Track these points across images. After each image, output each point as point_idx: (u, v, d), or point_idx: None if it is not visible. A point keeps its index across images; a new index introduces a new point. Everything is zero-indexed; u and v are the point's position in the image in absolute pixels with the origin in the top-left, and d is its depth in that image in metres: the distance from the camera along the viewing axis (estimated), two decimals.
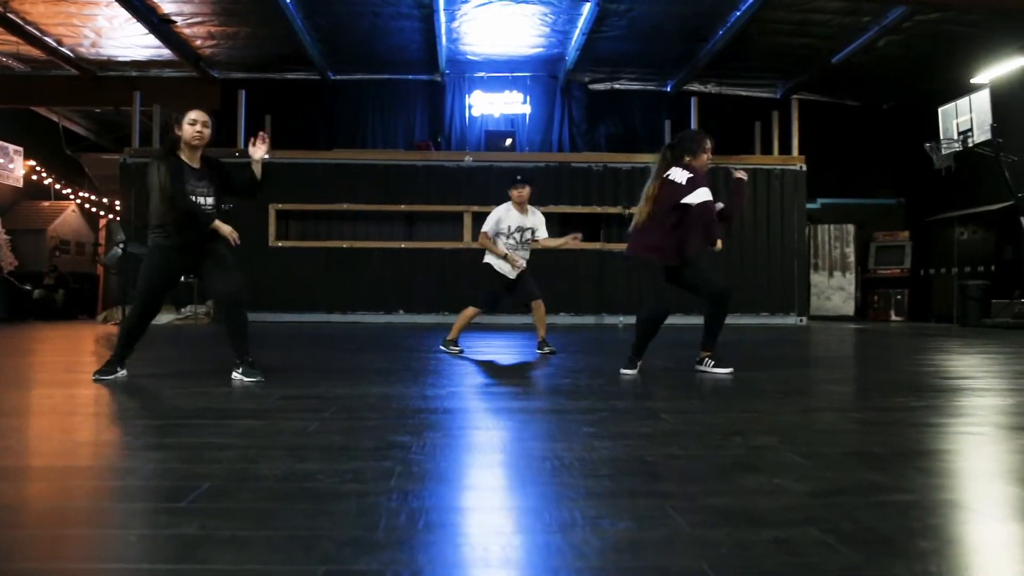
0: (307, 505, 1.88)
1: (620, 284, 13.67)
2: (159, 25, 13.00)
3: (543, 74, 16.03)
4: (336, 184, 14.07)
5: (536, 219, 6.76)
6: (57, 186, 18.36)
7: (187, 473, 2.22)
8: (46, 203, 18.47)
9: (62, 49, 14.18)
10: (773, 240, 14.48)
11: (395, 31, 13.69)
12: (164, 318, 12.48)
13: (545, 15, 13.03)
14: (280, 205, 14.05)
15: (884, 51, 13.72)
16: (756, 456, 2.51)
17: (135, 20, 12.58)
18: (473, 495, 2.11)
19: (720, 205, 5.06)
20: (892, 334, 11.22)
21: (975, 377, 5.12)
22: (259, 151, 4.69)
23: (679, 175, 4.94)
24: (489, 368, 5.63)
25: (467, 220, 14.04)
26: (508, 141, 15.25)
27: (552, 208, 14.22)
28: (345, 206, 13.99)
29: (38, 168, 17.85)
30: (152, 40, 13.59)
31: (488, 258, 6.66)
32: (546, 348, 6.68)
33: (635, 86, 16.44)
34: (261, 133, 4.78)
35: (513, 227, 6.61)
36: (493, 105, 16.17)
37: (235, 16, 12.91)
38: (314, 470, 2.25)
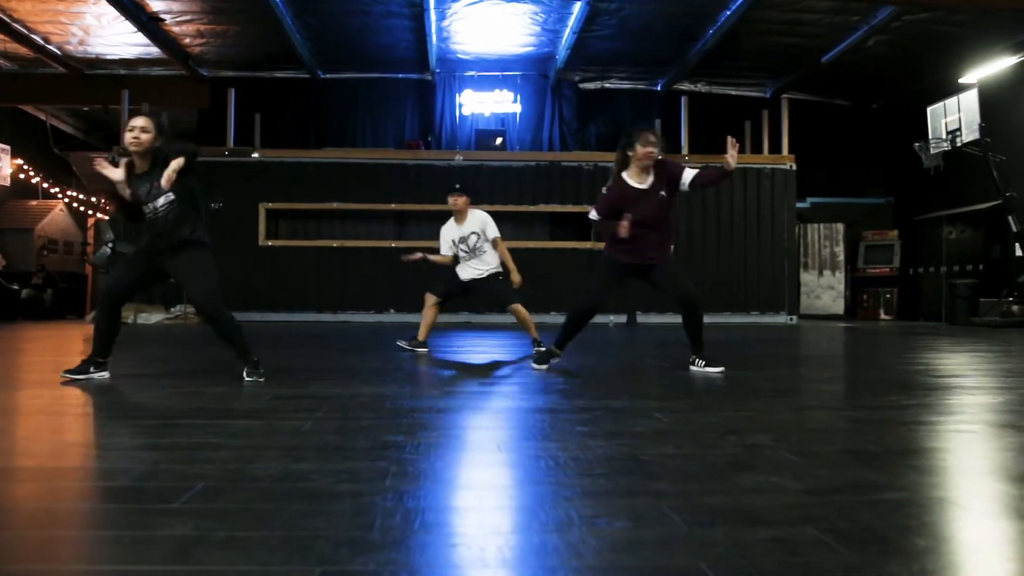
0: (302, 505, 1.87)
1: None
2: (148, 23, 12.93)
3: (533, 73, 16.02)
4: (326, 183, 14.03)
5: (474, 222, 6.57)
6: (45, 185, 18.24)
7: (181, 473, 2.20)
8: (34, 202, 18.35)
9: (49, 47, 14.08)
10: (763, 239, 14.53)
11: (385, 30, 13.66)
12: (154, 317, 12.43)
13: (536, 14, 13.02)
14: (270, 204, 14.00)
15: (873, 51, 13.79)
16: (751, 455, 2.51)
17: (123, 18, 12.51)
18: (468, 495, 2.10)
19: (593, 215, 5.15)
20: (881, 333, 11.28)
21: (965, 375, 5.15)
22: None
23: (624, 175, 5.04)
24: (481, 368, 5.62)
25: None
26: (498, 140, 15.25)
27: (543, 207, 14.26)
28: (335, 205, 13.96)
29: (26, 167, 17.72)
30: (141, 38, 13.51)
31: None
32: (540, 347, 6.62)
33: (625, 85, 16.47)
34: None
35: (456, 239, 6.54)
36: (483, 104, 16.17)
37: (224, 14, 12.85)
38: (309, 470, 2.24)
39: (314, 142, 15.37)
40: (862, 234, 16.57)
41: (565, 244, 14.08)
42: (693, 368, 5.14)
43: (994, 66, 13.45)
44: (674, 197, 5.06)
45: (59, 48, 14.22)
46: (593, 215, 5.14)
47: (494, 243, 6.58)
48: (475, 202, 13.95)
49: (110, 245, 10.98)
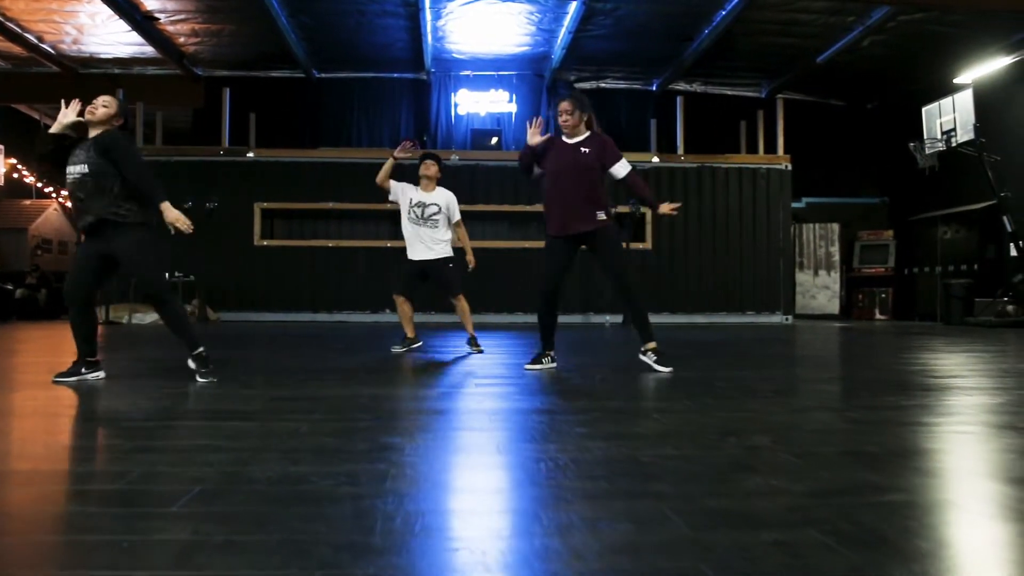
0: (301, 508, 1.86)
1: (606, 283, 13.67)
2: (142, 22, 12.90)
3: (529, 73, 16.02)
4: (321, 183, 14.01)
5: (441, 196, 6.60)
6: (39, 185, 18.17)
7: (178, 476, 2.19)
8: (27, 202, 18.30)
9: (43, 46, 14.04)
10: (759, 239, 14.55)
11: (380, 29, 13.64)
12: (148, 317, 12.37)
13: (531, 14, 13.02)
14: (265, 204, 13.98)
15: (868, 51, 13.82)
16: (751, 456, 2.50)
17: (118, 17, 12.49)
18: (469, 498, 2.09)
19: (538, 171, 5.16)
20: (877, 333, 11.29)
21: (962, 376, 5.15)
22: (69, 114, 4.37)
23: None
24: (477, 368, 5.60)
25: None
26: (494, 140, 15.25)
27: (538, 207, 14.20)
28: (331, 205, 13.93)
29: (19, 166, 17.66)
30: (135, 37, 13.48)
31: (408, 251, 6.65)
32: (474, 347, 6.64)
33: (621, 85, 16.47)
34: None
35: (414, 201, 6.53)
36: (479, 104, 16.16)
37: (219, 14, 12.82)
38: (307, 473, 2.22)
39: (309, 142, 15.35)
40: (857, 234, 16.61)
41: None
42: (642, 358, 5.13)
43: (989, 66, 13.49)
44: (602, 174, 5.07)
45: (53, 47, 14.18)
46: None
47: (456, 225, 6.65)
48: (471, 202, 14.02)
49: None
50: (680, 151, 14.83)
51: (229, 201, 13.81)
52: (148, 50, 14.15)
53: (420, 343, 6.75)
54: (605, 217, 5.00)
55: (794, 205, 15.26)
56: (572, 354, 6.76)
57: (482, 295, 13.76)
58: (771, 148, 14.97)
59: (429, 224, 6.53)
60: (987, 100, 13.04)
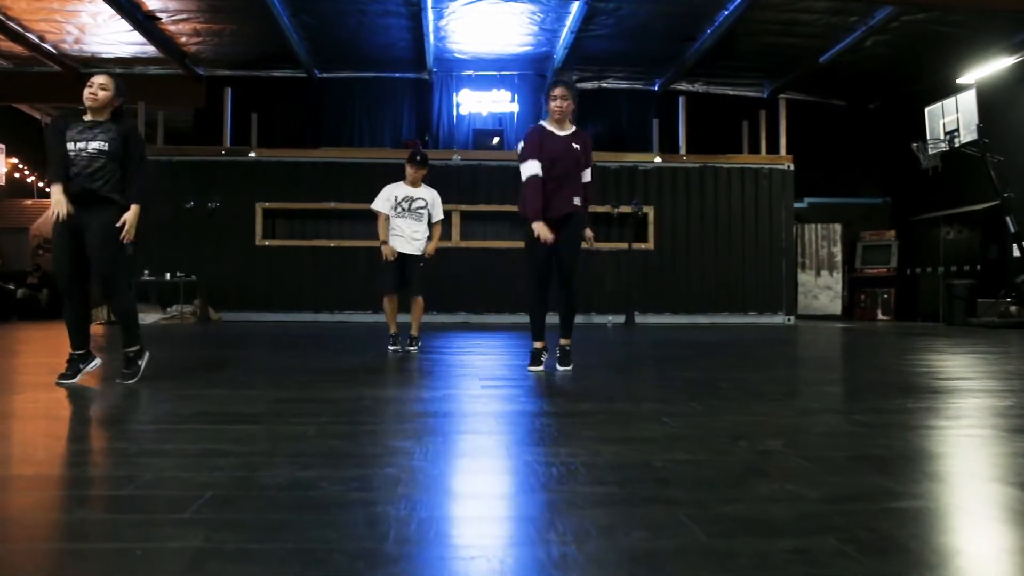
0: (314, 515, 1.84)
1: (608, 283, 13.68)
2: (144, 22, 12.87)
3: (531, 72, 15.99)
4: (323, 183, 13.99)
5: (427, 192, 6.86)
6: (40, 184, 18.15)
7: (188, 481, 2.17)
8: (29, 201, 18.27)
9: (44, 45, 14.01)
10: (761, 239, 14.53)
11: (382, 29, 13.62)
12: (150, 317, 12.36)
13: (534, 14, 12.99)
14: (267, 204, 13.96)
15: (871, 51, 13.79)
16: (764, 461, 2.49)
17: (119, 17, 12.45)
18: (481, 503, 2.07)
19: (535, 169, 4.98)
20: (880, 333, 11.28)
21: (969, 378, 5.13)
22: None
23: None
24: (481, 369, 5.59)
25: (455, 219, 13.99)
26: (496, 140, 15.23)
27: None
28: (332, 205, 13.91)
29: (20, 166, 17.64)
30: (137, 37, 13.45)
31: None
32: (413, 346, 6.79)
33: (623, 85, 16.44)
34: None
35: (401, 196, 6.75)
36: (481, 103, 16.13)
37: (221, 13, 12.79)
38: (317, 478, 2.21)
39: (311, 142, 15.32)
40: (859, 234, 16.58)
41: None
42: (556, 350, 5.16)
43: (992, 66, 13.47)
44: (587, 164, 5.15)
45: (54, 47, 14.15)
46: (532, 168, 4.98)
47: (435, 224, 6.89)
48: (472, 202, 13.97)
49: None
50: (682, 151, 14.81)
51: (230, 201, 13.79)
52: (150, 50, 14.12)
53: (395, 334, 6.95)
54: (579, 203, 5.09)
55: (796, 205, 15.24)
56: (574, 355, 6.73)
57: (484, 295, 13.78)
58: (773, 148, 14.94)
59: (414, 216, 6.75)
60: (990, 100, 13.02)
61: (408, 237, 6.70)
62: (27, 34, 13.41)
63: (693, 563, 1.54)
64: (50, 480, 2.31)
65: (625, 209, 13.85)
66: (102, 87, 4.36)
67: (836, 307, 16.19)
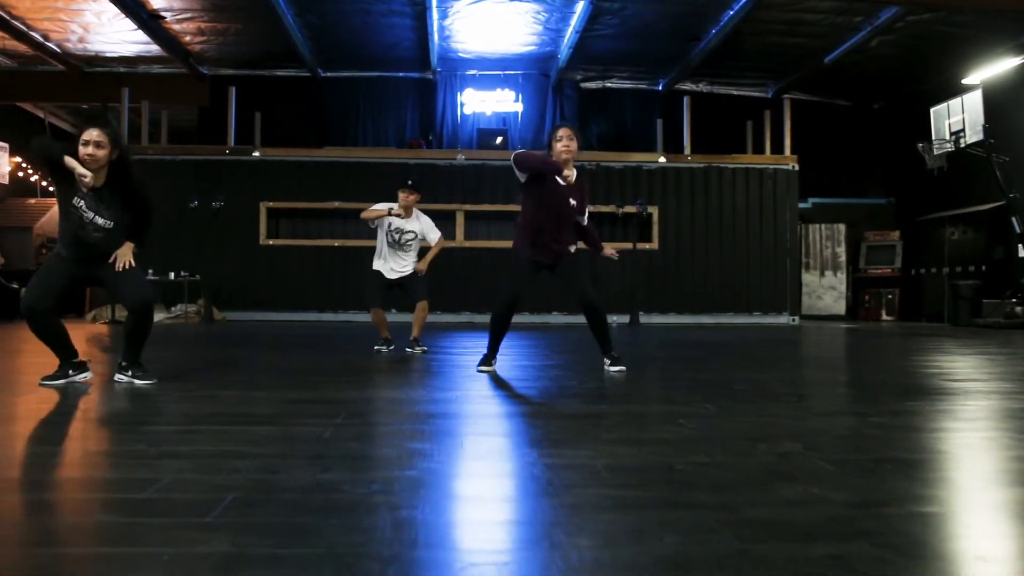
0: (339, 519, 1.82)
1: (611, 284, 13.64)
2: (148, 21, 12.85)
3: (535, 72, 15.98)
4: (327, 182, 13.98)
5: (416, 224, 6.87)
6: (43, 183, 18.13)
7: (208, 484, 2.15)
8: (32, 200, 18.24)
9: (49, 44, 14.00)
10: (765, 239, 14.51)
11: (386, 28, 13.60)
12: (154, 317, 12.33)
13: (538, 13, 12.98)
14: (271, 203, 13.95)
15: (876, 51, 13.77)
16: (786, 463, 2.47)
17: (124, 15, 12.45)
18: (511, 507, 2.04)
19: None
20: (886, 334, 11.25)
21: (981, 379, 5.11)
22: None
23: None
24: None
25: (459, 219, 13.98)
26: (500, 139, 15.21)
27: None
28: (336, 204, 13.89)
29: (24, 165, 17.62)
30: (141, 36, 13.45)
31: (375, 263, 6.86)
32: (416, 348, 6.76)
33: (627, 84, 16.43)
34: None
35: (393, 226, 6.75)
36: (485, 103, 16.12)
37: (225, 12, 12.78)
38: (339, 480, 2.19)
39: (315, 141, 15.29)
40: (864, 235, 16.55)
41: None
42: (608, 369, 5.13)
43: (998, 67, 13.44)
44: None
45: (58, 45, 14.14)
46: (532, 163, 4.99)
47: (439, 241, 6.98)
48: (476, 202, 13.94)
49: None
50: (687, 151, 14.79)
51: (234, 200, 13.78)
52: (154, 49, 14.11)
53: (393, 346, 6.86)
54: (573, 250, 5.16)
55: (800, 205, 15.22)
56: (581, 355, 6.73)
57: (485, 295, 13.74)
58: (778, 148, 14.92)
59: (403, 248, 6.81)
60: (996, 101, 12.99)
61: (396, 268, 6.79)
62: (31, 33, 13.40)
63: (730, 569, 1.52)
64: (70, 483, 2.30)
65: (629, 209, 13.83)
66: (98, 145, 4.11)
67: (840, 307, 16.16)
